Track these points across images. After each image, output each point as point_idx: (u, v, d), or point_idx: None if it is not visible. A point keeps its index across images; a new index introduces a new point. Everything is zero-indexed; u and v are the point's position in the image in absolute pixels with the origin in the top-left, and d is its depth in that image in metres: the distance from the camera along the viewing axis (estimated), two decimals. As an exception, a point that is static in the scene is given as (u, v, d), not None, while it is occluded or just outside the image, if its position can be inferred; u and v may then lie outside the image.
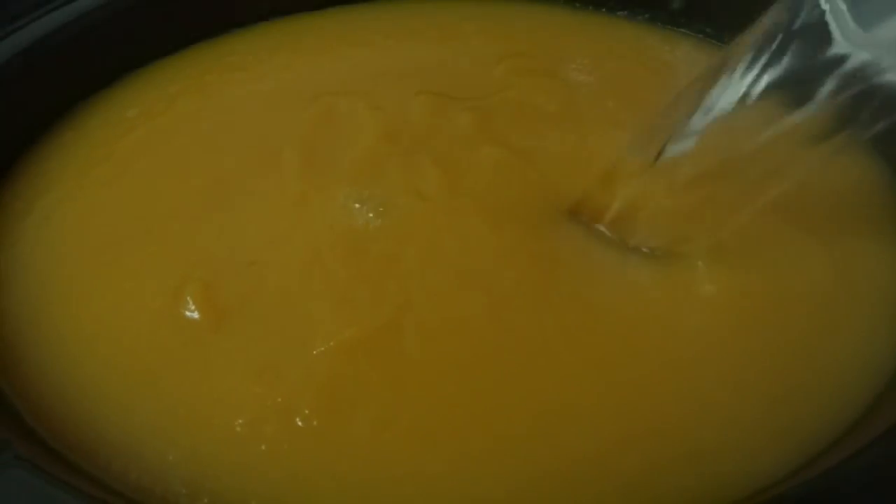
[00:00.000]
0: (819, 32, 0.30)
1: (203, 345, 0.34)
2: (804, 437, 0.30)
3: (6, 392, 0.33)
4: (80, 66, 0.49)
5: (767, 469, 0.29)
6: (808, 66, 0.31)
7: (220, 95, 0.49)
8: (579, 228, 0.38)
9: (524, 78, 0.49)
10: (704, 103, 0.33)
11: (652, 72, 0.50)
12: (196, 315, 0.35)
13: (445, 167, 0.41)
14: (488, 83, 0.49)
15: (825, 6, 0.30)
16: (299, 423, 0.31)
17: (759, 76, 0.32)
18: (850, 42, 0.30)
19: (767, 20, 0.32)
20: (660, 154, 0.34)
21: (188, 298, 0.35)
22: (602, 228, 0.37)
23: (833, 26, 0.30)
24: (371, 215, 0.39)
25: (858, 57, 0.29)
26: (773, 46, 0.31)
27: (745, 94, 0.32)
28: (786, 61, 0.31)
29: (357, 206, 0.39)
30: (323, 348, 0.33)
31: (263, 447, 0.30)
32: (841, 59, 0.30)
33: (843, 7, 0.30)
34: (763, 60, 0.31)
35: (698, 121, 0.33)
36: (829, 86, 0.30)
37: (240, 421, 0.31)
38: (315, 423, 0.31)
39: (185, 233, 0.39)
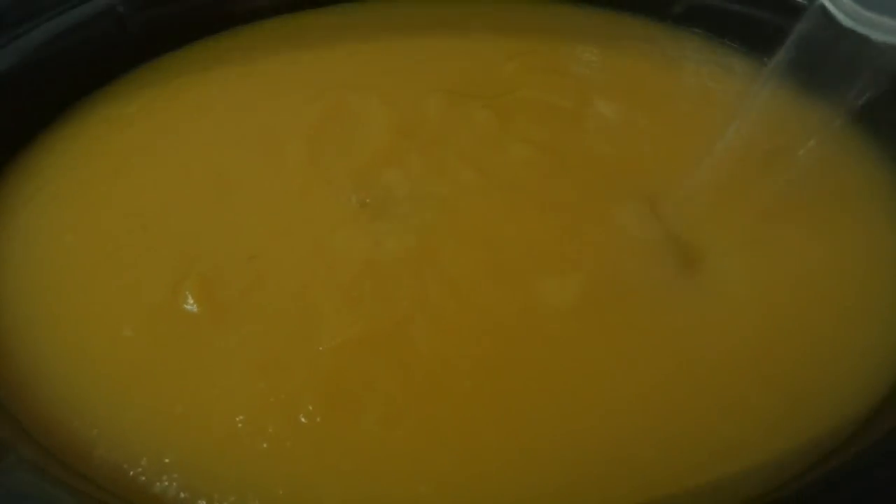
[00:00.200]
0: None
1: (202, 340, 0.33)
2: (823, 432, 0.29)
3: (1, 394, 0.32)
4: (81, 61, 0.48)
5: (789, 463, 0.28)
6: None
7: (223, 91, 0.48)
8: (606, 225, 0.37)
9: (535, 75, 0.49)
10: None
11: (661, 67, 0.50)
12: (195, 309, 0.34)
13: (472, 163, 0.41)
14: (500, 80, 0.48)
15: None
16: (303, 421, 0.30)
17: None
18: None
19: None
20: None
21: (187, 293, 0.34)
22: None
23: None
24: (382, 210, 0.38)
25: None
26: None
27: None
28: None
29: (368, 200, 0.38)
30: (328, 344, 0.32)
31: (265, 445, 0.29)
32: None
33: None
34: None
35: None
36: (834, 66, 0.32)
37: (240, 418, 0.30)
38: (319, 420, 0.30)
39: (184, 227, 0.38)
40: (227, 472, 0.29)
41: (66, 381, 0.32)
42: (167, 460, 0.29)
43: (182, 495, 0.28)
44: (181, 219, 0.39)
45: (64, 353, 0.33)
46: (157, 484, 0.28)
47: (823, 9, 0.33)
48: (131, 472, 0.29)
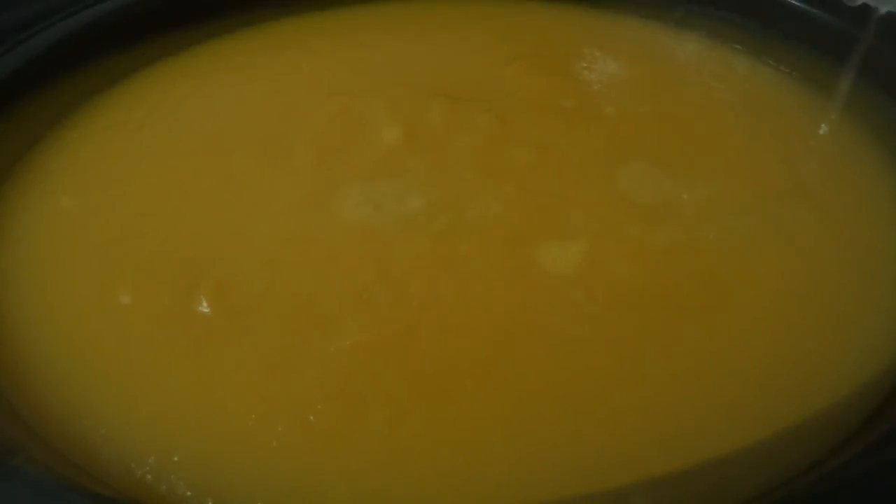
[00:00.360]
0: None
1: (214, 342, 0.33)
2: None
3: (10, 393, 0.32)
4: (88, 64, 0.48)
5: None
6: None
7: (229, 95, 0.49)
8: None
9: (536, 78, 0.49)
10: None
11: (661, 68, 0.50)
12: (208, 311, 0.34)
13: (474, 166, 0.41)
14: (500, 83, 0.49)
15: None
16: (312, 420, 0.30)
17: None
18: None
19: None
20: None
21: (201, 296, 0.35)
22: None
23: None
24: (390, 213, 0.38)
25: None
26: None
27: None
28: None
29: (377, 204, 0.39)
30: (339, 347, 0.32)
31: (274, 444, 0.29)
32: None
33: None
34: None
35: None
36: None
37: (252, 416, 0.30)
38: (328, 420, 0.30)
39: (195, 231, 0.38)
40: (236, 470, 0.29)
41: (74, 380, 0.32)
42: (176, 458, 0.29)
43: (189, 493, 0.28)
44: (191, 222, 0.39)
45: (73, 353, 0.33)
46: (165, 483, 0.29)
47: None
48: (139, 472, 0.29)
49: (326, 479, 0.29)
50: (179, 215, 0.39)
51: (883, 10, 0.44)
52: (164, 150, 0.44)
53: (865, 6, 0.44)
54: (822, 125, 0.44)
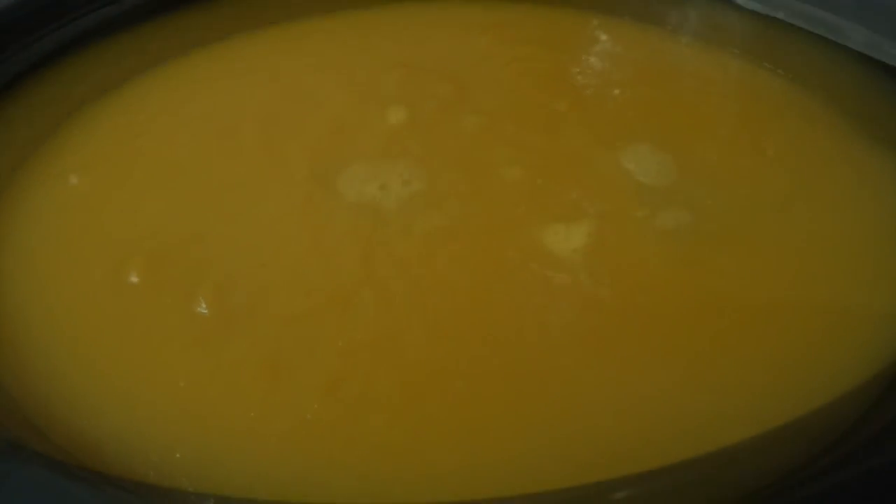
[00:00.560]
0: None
1: (212, 342, 0.32)
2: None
3: (14, 391, 0.31)
4: (89, 68, 0.47)
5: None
6: None
7: (229, 99, 0.47)
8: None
9: (510, 47, 0.49)
10: None
11: (659, 73, 0.49)
12: (206, 312, 0.33)
13: (458, 168, 0.40)
14: (470, 54, 0.48)
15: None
16: (308, 418, 0.29)
17: None
18: None
19: None
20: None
21: (200, 297, 0.34)
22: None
23: None
24: (395, 198, 0.38)
25: None
26: None
27: None
28: None
29: (367, 207, 0.38)
30: (333, 346, 0.32)
31: (273, 441, 0.29)
32: None
33: None
34: None
35: None
36: None
37: (251, 415, 0.29)
38: (325, 417, 0.29)
39: (196, 235, 0.37)
40: (236, 468, 0.28)
41: (74, 379, 0.31)
42: (178, 455, 0.28)
43: (190, 489, 0.27)
44: (191, 227, 0.38)
45: (74, 353, 0.32)
46: (167, 480, 0.28)
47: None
48: (141, 468, 0.28)
49: (324, 474, 0.28)
50: (178, 220, 0.38)
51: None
52: (164, 154, 0.43)
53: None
54: (822, 122, 0.44)
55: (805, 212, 0.38)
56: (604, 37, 0.51)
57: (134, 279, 0.34)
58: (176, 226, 0.38)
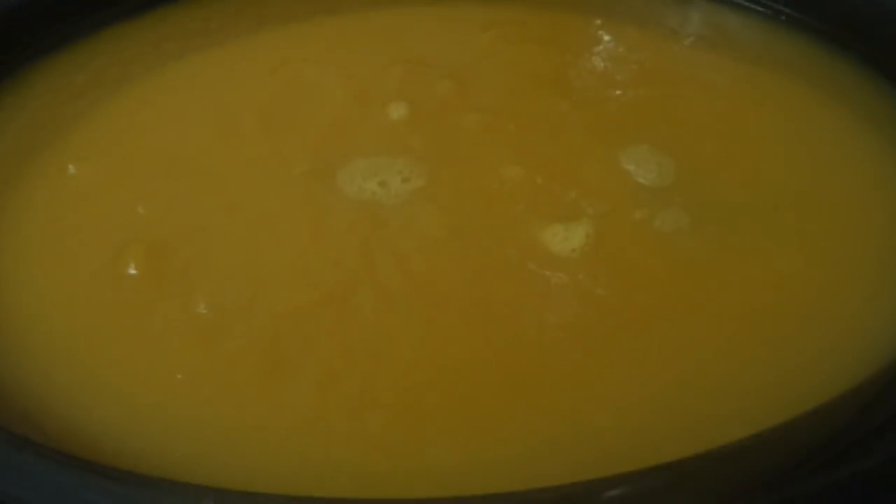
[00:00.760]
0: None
1: (210, 337, 0.32)
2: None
3: (10, 383, 0.31)
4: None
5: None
6: None
7: (231, 94, 0.46)
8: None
9: (511, 45, 0.49)
10: None
11: (660, 74, 0.49)
12: (204, 307, 0.33)
13: (458, 165, 0.40)
14: (470, 51, 0.48)
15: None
16: (306, 414, 0.29)
17: None
18: None
19: None
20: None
21: (198, 292, 0.34)
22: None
23: None
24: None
25: None
26: None
27: None
28: None
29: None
30: (331, 342, 0.32)
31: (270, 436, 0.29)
32: None
33: None
34: None
35: None
36: None
37: (249, 409, 0.29)
38: (322, 413, 0.29)
39: (195, 229, 0.37)
40: (234, 462, 0.28)
41: (70, 372, 0.31)
42: (175, 450, 0.28)
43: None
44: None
45: (71, 346, 0.32)
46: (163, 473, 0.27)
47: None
48: (137, 462, 0.28)
49: (320, 469, 0.28)
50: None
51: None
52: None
53: None
54: (823, 124, 0.44)
55: (805, 214, 0.38)
56: (605, 37, 0.50)
57: (132, 272, 0.34)
58: (175, 219, 0.37)
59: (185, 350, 0.32)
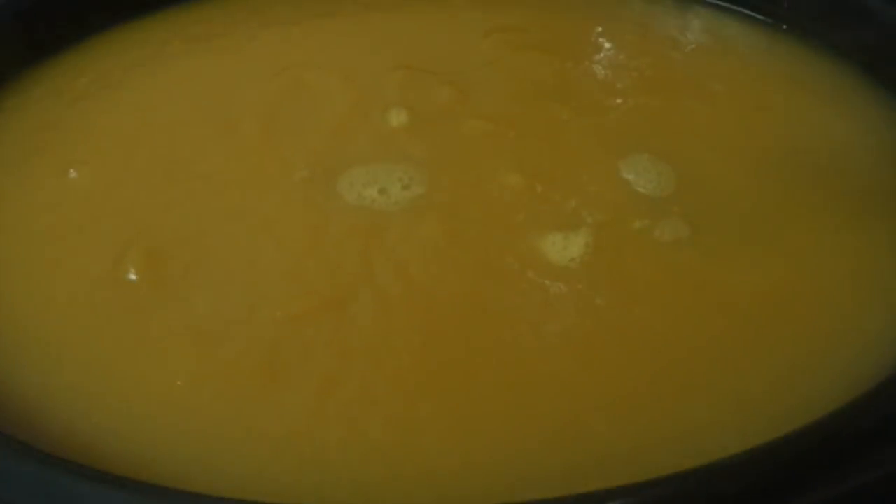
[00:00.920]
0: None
1: (210, 341, 0.32)
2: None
3: (7, 385, 0.31)
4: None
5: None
6: None
7: (230, 98, 0.46)
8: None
9: (512, 52, 0.48)
10: None
11: (661, 83, 0.49)
12: (204, 312, 0.33)
13: (458, 172, 0.40)
14: (471, 57, 0.48)
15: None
16: (305, 419, 0.29)
17: None
18: None
19: None
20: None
21: (197, 297, 0.34)
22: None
23: None
24: (395, 198, 0.38)
25: None
26: None
27: None
28: None
29: (367, 209, 0.38)
30: (330, 348, 0.32)
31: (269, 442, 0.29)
32: None
33: None
34: None
35: None
36: None
37: (248, 414, 0.30)
38: (321, 419, 0.29)
39: (194, 233, 0.37)
40: (232, 468, 0.28)
41: (69, 375, 0.31)
42: (173, 454, 0.28)
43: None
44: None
45: (69, 349, 0.32)
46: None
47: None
48: (135, 467, 0.27)
49: (319, 475, 0.28)
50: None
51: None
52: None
53: None
54: (826, 131, 0.44)
55: (805, 225, 0.38)
56: (606, 44, 0.51)
57: (131, 276, 0.34)
58: (175, 224, 0.37)
59: (184, 355, 0.32)
